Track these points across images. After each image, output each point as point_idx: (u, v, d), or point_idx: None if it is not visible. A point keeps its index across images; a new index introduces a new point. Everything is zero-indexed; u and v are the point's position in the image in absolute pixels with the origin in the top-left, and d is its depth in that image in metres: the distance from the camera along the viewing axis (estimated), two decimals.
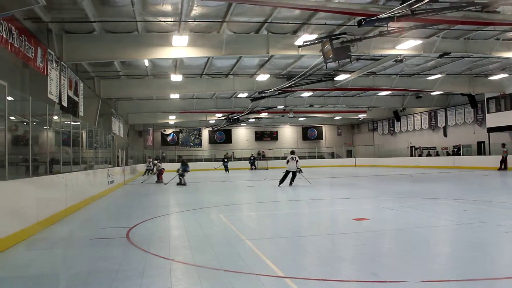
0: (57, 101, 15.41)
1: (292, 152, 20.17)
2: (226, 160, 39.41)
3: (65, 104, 16.43)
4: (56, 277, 5.61)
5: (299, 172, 19.51)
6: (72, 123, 13.89)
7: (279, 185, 19.30)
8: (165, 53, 17.77)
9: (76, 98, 18.41)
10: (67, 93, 16.90)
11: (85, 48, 17.21)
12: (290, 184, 19.42)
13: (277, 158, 49.13)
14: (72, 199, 11.60)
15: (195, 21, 16.35)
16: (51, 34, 15.60)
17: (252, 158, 45.24)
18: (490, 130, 32.65)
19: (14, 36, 11.72)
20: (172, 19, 16.21)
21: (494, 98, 32.10)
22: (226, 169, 38.16)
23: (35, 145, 10.25)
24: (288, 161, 19.54)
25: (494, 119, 32.22)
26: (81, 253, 7.00)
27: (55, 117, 11.82)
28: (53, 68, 15.07)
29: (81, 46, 17.12)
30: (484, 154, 33.78)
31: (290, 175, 19.45)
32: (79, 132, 14.52)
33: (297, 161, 19.36)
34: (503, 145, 28.74)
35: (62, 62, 16.17)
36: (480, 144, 35.25)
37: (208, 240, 7.56)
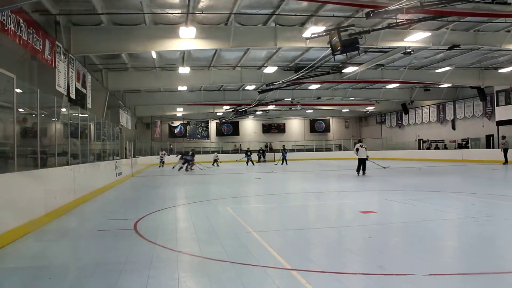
0: (65, 93, 15.47)
1: (360, 141, 21.84)
2: (249, 154, 39.28)
3: (73, 96, 16.49)
4: (64, 268, 5.65)
5: (367, 160, 20.73)
6: (80, 115, 13.96)
7: (358, 175, 20.27)
8: (172, 45, 17.75)
9: (84, 91, 18.48)
10: (75, 85, 16.96)
11: (93, 40, 17.23)
12: (364, 173, 20.38)
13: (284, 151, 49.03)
14: (80, 190, 11.67)
15: (202, 13, 16.32)
16: (59, 27, 15.64)
17: (261, 150, 45.12)
18: (499, 123, 32.41)
19: (22, 28, 11.76)
20: (180, 11, 16.18)
21: (504, 91, 31.84)
22: (250, 161, 38.47)
23: (44, 137, 10.32)
24: (357, 150, 20.54)
25: (503, 112, 31.97)
26: (89, 244, 7.05)
27: (63, 109, 11.88)
28: (61, 60, 15.12)
29: (89, 38, 17.14)
30: (493, 148, 33.52)
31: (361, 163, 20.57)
32: (87, 124, 14.57)
33: (365, 148, 20.59)
34: (503, 137, 28.51)
35: (70, 55, 16.22)
36: (489, 137, 34.99)
37: (215, 232, 7.59)
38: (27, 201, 7.82)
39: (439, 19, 17.31)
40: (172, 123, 52.96)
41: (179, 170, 28.69)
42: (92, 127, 15.70)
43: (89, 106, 19.18)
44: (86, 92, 18.91)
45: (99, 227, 8.41)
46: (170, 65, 25.32)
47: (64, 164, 10.80)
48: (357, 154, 20.62)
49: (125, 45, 17.89)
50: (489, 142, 34.91)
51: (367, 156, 20.52)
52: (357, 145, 20.73)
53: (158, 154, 37.77)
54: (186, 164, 28.88)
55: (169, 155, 36.83)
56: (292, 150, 50.90)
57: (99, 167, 15.38)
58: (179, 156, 30.40)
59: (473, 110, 36.80)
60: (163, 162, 35.91)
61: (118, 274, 5.10)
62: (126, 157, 24.09)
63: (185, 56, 23.28)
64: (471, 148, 35.93)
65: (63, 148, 11.13)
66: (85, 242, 7.27)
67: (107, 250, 6.48)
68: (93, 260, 5.89)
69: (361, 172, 20.53)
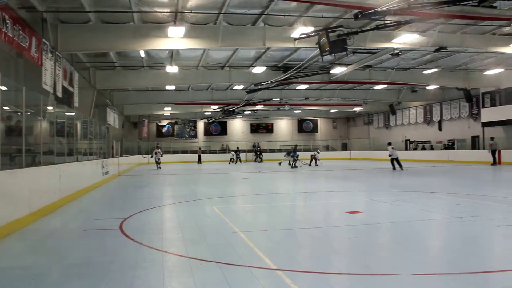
0: (51, 91, 15.32)
1: (390, 143, 25.79)
2: (238, 153, 41.77)
3: (59, 94, 16.34)
4: (48, 268, 5.59)
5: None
6: (66, 113, 13.84)
7: (395, 169, 24.37)
8: (161, 44, 17.67)
9: (71, 89, 18.33)
10: (62, 83, 16.81)
11: (81, 38, 17.09)
12: (401, 167, 24.29)
13: (272, 151, 49.12)
14: (66, 190, 11.57)
15: (191, 12, 16.28)
16: (46, 24, 15.46)
17: (257, 150, 45.08)
18: (484, 124, 32.77)
19: (8, 25, 11.62)
20: (169, 10, 16.12)
21: (489, 93, 32.19)
22: (238, 159, 40.98)
23: (29, 135, 10.22)
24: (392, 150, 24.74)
25: (489, 113, 32.32)
26: (74, 244, 7.00)
27: (50, 108, 11.76)
28: (48, 58, 14.97)
29: (77, 36, 16.99)
30: (479, 149, 33.88)
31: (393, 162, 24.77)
32: (74, 123, 14.45)
33: (394, 148, 25.01)
34: (491, 138, 28.85)
35: (57, 52, 16.07)
36: (474, 139, 35.38)
37: (201, 232, 7.57)
38: (11, 200, 7.73)
39: (426, 21, 17.45)
40: (160, 122, 52.74)
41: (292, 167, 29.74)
42: (78, 125, 15.58)
43: (76, 104, 19.03)
44: (73, 90, 18.77)
45: (85, 226, 8.35)
46: (158, 64, 25.21)
47: (49, 163, 10.69)
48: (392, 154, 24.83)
49: (113, 44, 17.77)
50: (475, 143, 35.29)
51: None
52: (390, 147, 25.21)
53: (151, 154, 35.03)
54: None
55: (162, 155, 33.14)
56: (280, 150, 50.98)
57: (85, 166, 15.27)
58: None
59: (459, 112, 37.17)
60: (159, 163, 32.19)
61: (103, 274, 5.08)
62: (113, 156, 23.94)
63: (174, 55, 23.21)
64: (457, 149, 36.26)
65: (49, 147, 11.03)
66: (70, 242, 7.22)
67: (92, 250, 6.44)
68: (78, 260, 5.85)
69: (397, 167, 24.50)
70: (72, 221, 9.42)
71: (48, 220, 9.07)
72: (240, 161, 41.84)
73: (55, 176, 10.76)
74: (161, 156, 32.78)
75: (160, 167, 31.45)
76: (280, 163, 34.29)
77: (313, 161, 31.81)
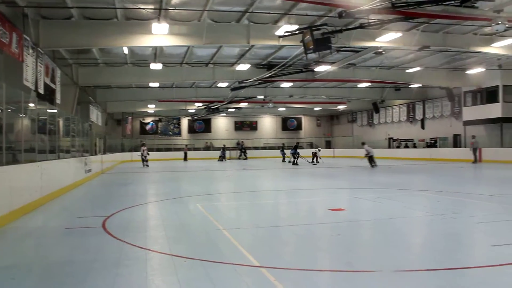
0: (33, 88, 15.11)
1: (364, 143, 27.53)
2: (224, 151, 42.29)
3: (41, 91, 16.13)
4: (28, 268, 5.51)
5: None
6: (48, 110, 13.67)
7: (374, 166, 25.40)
8: (144, 41, 17.56)
9: (53, 86, 18.10)
10: (44, 80, 16.59)
11: (63, 34, 16.87)
12: (374, 165, 25.42)
13: (256, 148, 49.17)
14: (48, 188, 11.44)
15: (175, 9, 16.21)
16: (27, 19, 15.22)
17: (242, 147, 45.04)
18: (466, 123, 33.21)
19: None
20: (152, 7, 16.02)
21: (471, 92, 32.61)
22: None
23: (10, 132, 10.07)
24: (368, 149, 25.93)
25: (470, 112, 32.77)
26: (55, 242, 6.93)
27: (31, 105, 11.60)
28: (29, 54, 14.76)
29: (59, 32, 16.78)
30: (460, 147, 34.35)
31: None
32: (56, 120, 14.28)
33: (369, 147, 26.30)
34: (473, 137, 29.26)
35: (38, 48, 15.85)
36: (456, 137, 35.86)
37: (185, 230, 7.55)
38: None
39: (410, 21, 17.61)
40: (144, 119, 52.42)
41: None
42: (61, 123, 15.40)
43: (58, 101, 18.81)
44: (55, 87, 18.53)
45: (67, 225, 8.26)
46: (142, 61, 25.05)
47: (31, 160, 10.56)
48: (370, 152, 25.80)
49: (96, 40, 17.60)
50: (456, 141, 35.77)
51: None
52: (367, 146, 26.27)
53: (139, 151, 33.37)
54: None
55: (148, 154, 31.90)
56: (264, 148, 51.13)
57: (67, 164, 15.11)
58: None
59: (441, 110, 37.61)
60: (146, 160, 31.17)
61: (85, 273, 5.03)
62: (96, 154, 23.73)
63: (157, 52, 23.07)
64: (439, 147, 36.77)
65: (30, 144, 10.88)
66: (52, 240, 7.14)
67: (75, 248, 6.37)
68: (60, 259, 5.78)
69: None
70: (54, 219, 9.32)
71: (29, 218, 8.95)
72: (225, 159, 41.86)
73: (37, 174, 10.63)
74: (148, 154, 31.77)
75: (147, 165, 30.60)
76: (285, 160, 34.61)
77: (315, 158, 31.85)
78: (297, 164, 29.70)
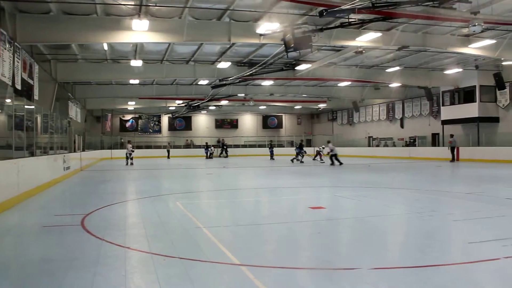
0: (10, 83, 14.83)
1: (329, 142, 28.13)
2: (207, 148, 41.85)
3: (18, 87, 15.84)
4: (4, 266, 5.43)
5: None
6: (26, 106, 13.44)
7: (334, 165, 25.80)
8: (124, 38, 17.37)
9: (30, 81, 17.80)
10: (21, 75, 16.30)
11: (41, 29, 16.60)
12: (337, 163, 25.89)
13: (237, 146, 49.15)
14: (25, 185, 11.26)
15: (156, 6, 16.10)
16: (4, 13, 14.96)
17: (224, 145, 44.84)
18: (444, 122, 33.72)
19: None
20: (133, 3, 15.89)
21: (449, 92, 33.11)
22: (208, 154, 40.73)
23: None
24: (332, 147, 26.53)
25: (448, 111, 33.26)
26: (33, 241, 6.83)
27: (8, 100, 11.42)
28: (5, 49, 14.48)
29: (37, 27, 16.50)
30: (438, 146, 34.88)
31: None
32: (34, 117, 14.05)
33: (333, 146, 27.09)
34: (451, 135, 29.73)
35: (15, 43, 15.56)
36: (434, 136, 36.42)
37: (165, 228, 7.52)
38: None
39: (389, 21, 17.79)
40: (124, 116, 51.98)
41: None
42: (39, 119, 15.16)
43: (36, 97, 18.50)
44: (33, 83, 18.23)
45: (44, 223, 8.15)
46: (122, 57, 24.83)
47: (7, 157, 10.38)
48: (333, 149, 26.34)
49: (75, 35, 17.34)
50: (435, 140, 36.31)
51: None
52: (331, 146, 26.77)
53: (126, 148, 31.61)
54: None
55: (133, 151, 30.66)
56: (244, 146, 51.14)
57: (45, 161, 14.90)
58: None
59: (420, 110, 38.14)
60: (131, 158, 29.99)
61: (63, 271, 4.96)
62: (75, 151, 23.45)
63: (138, 49, 22.90)
64: (418, 146, 37.28)
65: (6, 141, 10.71)
66: (29, 238, 7.03)
67: (52, 246, 6.29)
68: (37, 258, 5.69)
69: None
70: (31, 217, 9.18)
71: (5, 216, 8.81)
72: (207, 157, 41.82)
73: (13, 171, 10.45)
74: (132, 151, 30.58)
75: (132, 163, 29.48)
76: (273, 158, 34.74)
77: (318, 156, 31.92)
78: (302, 162, 29.82)
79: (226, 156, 43.28)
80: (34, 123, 13.73)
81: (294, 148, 32.84)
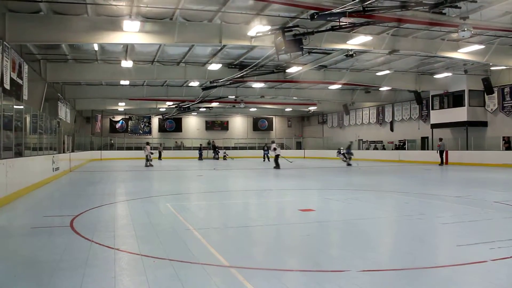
0: None
1: (273, 142, 28.04)
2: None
3: (7, 86, 15.71)
4: None
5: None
6: (15, 107, 13.33)
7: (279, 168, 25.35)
8: (115, 38, 17.28)
9: (19, 81, 17.67)
10: (10, 75, 16.17)
11: (31, 29, 16.43)
12: (278, 166, 25.54)
13: (227, 148, 49.10)
14: (13, 186, 11.17)
15: (147, 7, 16.02)
16: None
17: (216, 148, 44.64)
18: (433, 126, 33.95)
19: None
20: (124, 4, 15.81)
21: (438, 96, 33.38)
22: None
23: None
24: (275, 149, 26.23)
25: (437, 115, 33.51)
26: (21, 242, 6.78)
27: None
28: None
29: (26, 26, 16.34)
30: (428, 149, 35.12)
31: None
32: (23, 117, 13.94)
33: (278, 147, 26.99)
34: (440, 139, 29.97)
35: (4, 43, 15.43)
36: (424, 139, 36.66)
37: (154, 229, 7.50)
38: None
39: (380, 24, 17.90)
40: (114, 117, 51.74)
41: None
42: (28, 119, 15.05)
43: (25, 97, 18.37)
44: (22, 83, 18.10)
45: (33, 224, 8.09)
46: (113, 58, 24.71)
47: None
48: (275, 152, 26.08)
49: (65, 36, 17.20)
50: (424, 143, 36.56)
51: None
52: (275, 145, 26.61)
53: (144, 149, 30.08)
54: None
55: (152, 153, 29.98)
56: (235, 148, 51.11)
57: (34, 162, 14.79)
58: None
59: (410, 113, 38.40)
60: (151, 159, 29.36)
61: (51, 273, 4.94)
62: (64, 152, 23.29)
63: (128, 50, 22.81)
64: (407, 149, 37.52)
65: None
66: (17, 240, 6.99)
67: (41, 248, 6.24)
68: (25, 259, 5.66)
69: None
70: (20, 218, 9.12)
71: None
72: (201, 158, 41.84)
73: (2, 172, 10.37)
74: (152, 153, 29.76)
75: (152, 164, 28.91)
76: (266, 159, 35.65)
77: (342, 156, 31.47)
78: (351, 165, 28.89)
79: (217, 158, 43.12)
80: (23, 123, 13.62)
81: (340, 149, 31.49)
